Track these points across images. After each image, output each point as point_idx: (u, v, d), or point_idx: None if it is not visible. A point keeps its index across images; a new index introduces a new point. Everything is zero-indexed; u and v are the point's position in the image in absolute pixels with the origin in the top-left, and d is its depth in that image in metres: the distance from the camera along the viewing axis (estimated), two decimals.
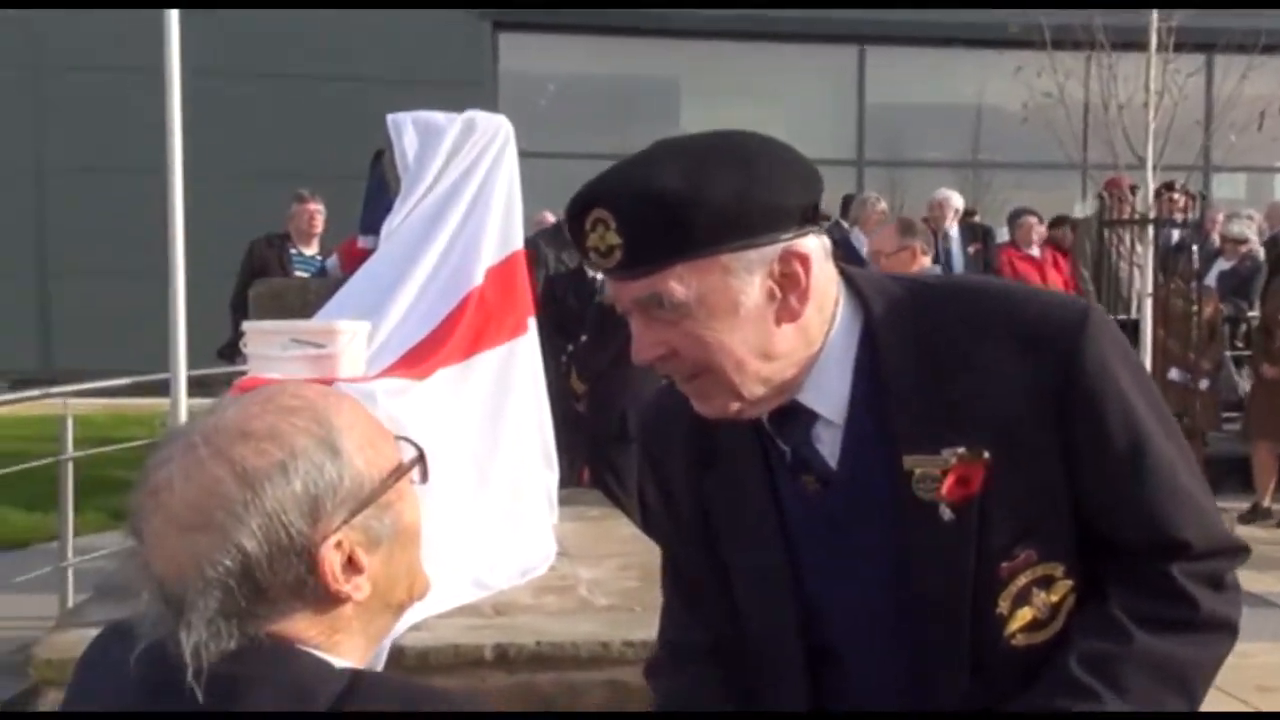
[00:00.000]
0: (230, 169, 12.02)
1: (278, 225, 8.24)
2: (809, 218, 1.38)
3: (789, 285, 1.36)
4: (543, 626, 3.46)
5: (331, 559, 1.17)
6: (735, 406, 1.40)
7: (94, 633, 1.34)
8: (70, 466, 5.93)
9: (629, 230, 1.32)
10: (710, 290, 1.34)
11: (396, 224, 4.12)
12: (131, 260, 12.05)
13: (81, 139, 14.16)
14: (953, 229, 9.56)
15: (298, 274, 7.76)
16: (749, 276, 1.34)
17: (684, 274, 1.33)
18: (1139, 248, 8.30)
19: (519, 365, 4.17)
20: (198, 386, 4.08)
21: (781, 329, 1.38)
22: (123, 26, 11.01)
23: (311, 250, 8.16)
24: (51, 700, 3.05)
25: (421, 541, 1.28)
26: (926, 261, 4.81)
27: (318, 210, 8.11)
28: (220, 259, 7.85)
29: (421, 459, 1.27)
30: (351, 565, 1.18)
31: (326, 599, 1.17)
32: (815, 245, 1.39)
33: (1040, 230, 10.02)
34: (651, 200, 1.32)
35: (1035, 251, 9.92)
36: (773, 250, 1.35)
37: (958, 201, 9.69)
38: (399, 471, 1.23)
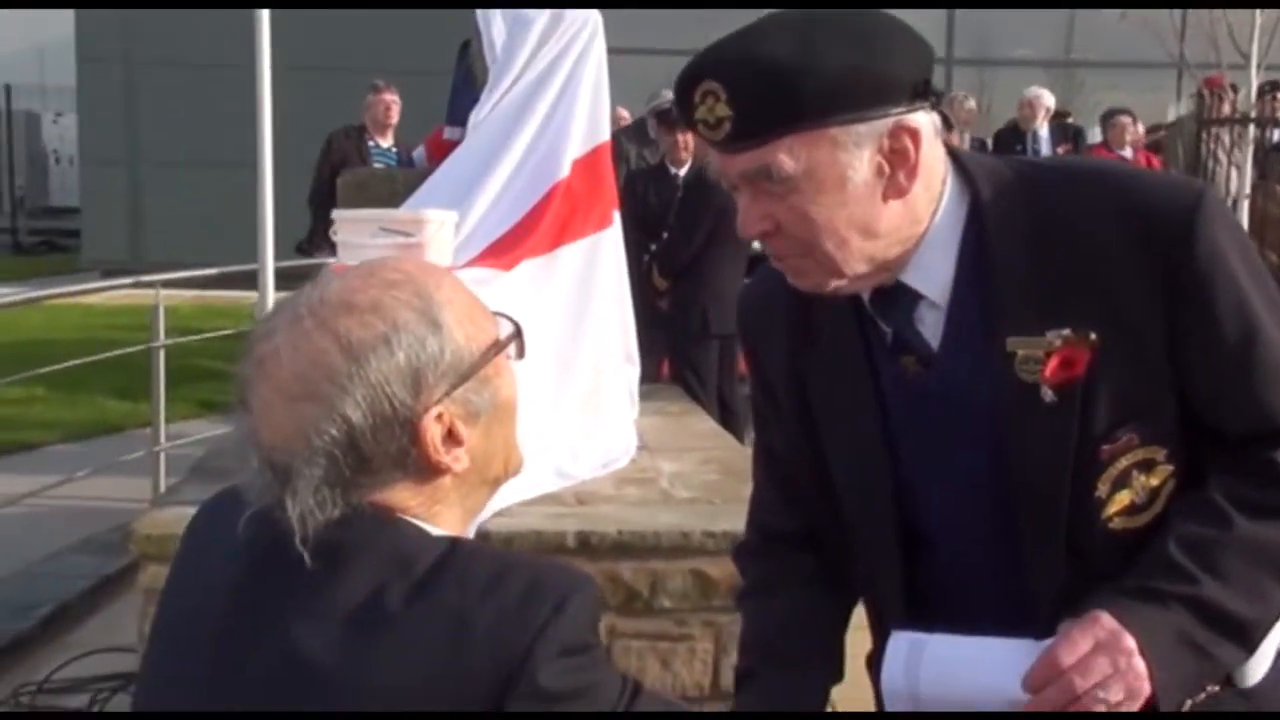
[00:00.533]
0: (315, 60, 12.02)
1: (357, 118, 8.24)
2: (920, 93, 1.35)
3: (898, 161, 1.35)
4: (625, 516, 3.49)
5: (433, 430, 1.19)
6: (835, 284, 1.40)
7: (190, 511, 1.37)
8: (162, 354, 6.08)
9: (738, 101, 1.32)
10: (819, 164, 1.33)
11: (483, 115, 4.11)
12: (220, 152, 12.21)
13: (171, 30, 14.27)
14: (1043, 129, 9.36)
15: (375, 165, 7.77)
16: (858, 150, 1.33)
17: (793, 146, 1.32)
18: (1238, 150, 8.06)
19: (603, 258, 4.16)
20: (283, 279, 4.14)
21: (888, 205, 1.37)
22: None
23: (387, 142, 8.15)
24: (151, 574, 3.15)
25: (517, 418, 1.30)
26: None
27: (393, 101, 8.07)
28: (305, 152, 7.91)
29: (519, 334, 1.28)
30: (451, 438, 1.21)
31: (427, 470, 1.20)
32: (925, 121, 1.37)
33: (1135, 131, 9.78)
34: (762, 71, 1.31)
35: (1128, 153, 9.70)
36: (883, 124, 1.34)
37: (1049, 100, 9.53)
38: (497, 346, 1.25)
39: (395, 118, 8.13)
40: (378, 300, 1.19)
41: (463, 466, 1.22)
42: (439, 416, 1.19)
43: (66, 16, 16.50)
